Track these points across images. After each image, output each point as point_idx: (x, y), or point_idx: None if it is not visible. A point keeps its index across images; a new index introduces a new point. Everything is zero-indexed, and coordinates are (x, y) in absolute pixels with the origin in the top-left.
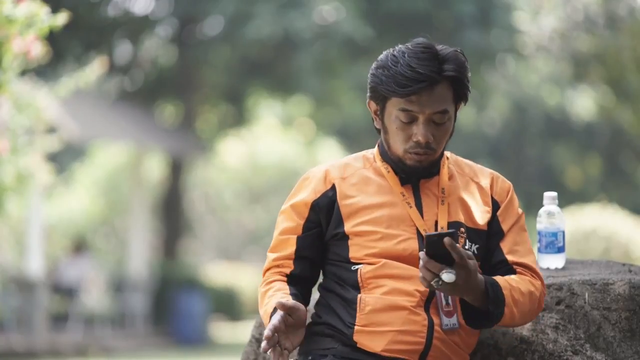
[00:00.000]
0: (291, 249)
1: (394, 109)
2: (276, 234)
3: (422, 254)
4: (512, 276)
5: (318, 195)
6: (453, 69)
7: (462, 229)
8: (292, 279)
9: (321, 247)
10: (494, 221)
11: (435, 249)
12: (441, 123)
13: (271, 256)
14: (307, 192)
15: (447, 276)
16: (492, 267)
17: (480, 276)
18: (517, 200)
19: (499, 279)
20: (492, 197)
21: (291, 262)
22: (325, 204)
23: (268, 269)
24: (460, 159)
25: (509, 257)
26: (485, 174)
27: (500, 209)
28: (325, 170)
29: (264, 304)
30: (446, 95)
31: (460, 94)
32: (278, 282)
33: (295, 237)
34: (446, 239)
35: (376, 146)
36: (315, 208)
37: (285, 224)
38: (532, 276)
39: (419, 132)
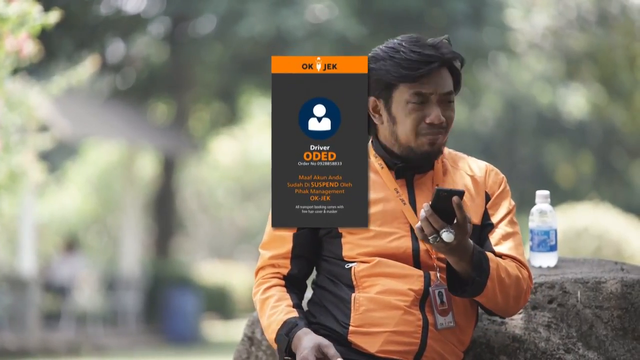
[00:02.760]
0: (287, 246)
1: (404, 95)
2: (269, 229)
3: (426, 206)
4: (501, 258)
5: None
6: (450, 52)
7: None
8: (289, 281)
9: (316, 244)
10: (485, 215)
11: (442, 204)
12: (450, 103)
13: (266, 254)
14: None
15: (447, 235)
16: None
17: (470, 241)
18: (509, 193)
19: (488, 253)
20: (486, 192)
21: (288, 261)
22: None
23: (262, 268)
24: (453, 152)
25: (497, 248)
26: (479, 166)
27: (491, 201)
28: None
29: (267, 316)
30: (449, 79)
31: (457, 80)
32: (277, 290)
33: (291, 234)
34: (455, 198)
35: (369, 142)
36: None
37: None
38: (520, 267)
39: (433, 112)
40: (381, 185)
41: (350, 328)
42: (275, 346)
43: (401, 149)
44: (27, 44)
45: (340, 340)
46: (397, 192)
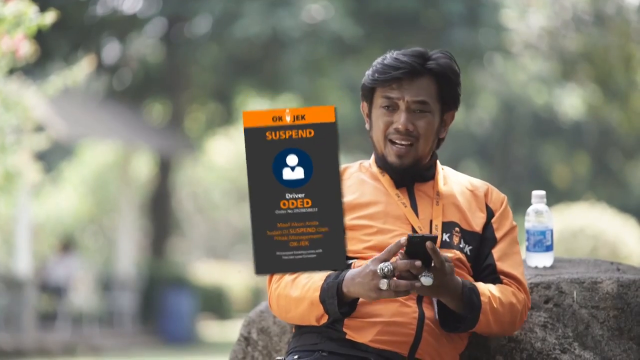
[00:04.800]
0: None
1: (378, 100)
2: None
3: (401, 255)
4: (496, 285)
5: None
6: (436, 64)
7: (457, 229)
8: None
9: None
10: (487, 228)
11: (416, 251)
12: (422, 113)
13: None
14: None
15: (426, 280)
16: (481, 270)
17: (457, 279)
18: (511, 213)
19: (480, 285)
20: (486, 205)
21: None
22: None
23: None
24: (454, 170)
25: (499, 264)
26: (480, 184)
27: (495, 217)
28: None
29: (301, 287)
30: (428, 89)
31: (445, 91)
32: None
33: None
34: (428, 243)
35: (372, 155)
36: None
37: None
38: (518, 289)
39: (399, 119)
40: (382, 191)
41: (345, 320)
42: (315, 309)
43: (378, 157)
44: (23, 44)
45: (333, 334)
46: (399, 196)
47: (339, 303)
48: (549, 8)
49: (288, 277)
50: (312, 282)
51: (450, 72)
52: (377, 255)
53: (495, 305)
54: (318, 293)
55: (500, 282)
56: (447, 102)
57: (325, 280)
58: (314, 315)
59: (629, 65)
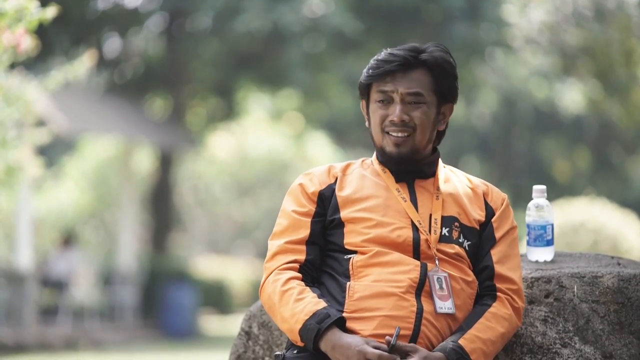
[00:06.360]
0: (305, 232)
1: (374, 95)
2: (283, 219)
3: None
4: (486, 316)
5: (324, 186)
6: (430, 56)
7: (456, 223)
8: (306, 269)
9: (324, 235)
10: (487, 227)
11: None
12: (417, 104)
13: (279, 241)
14: (313, 184)
15: None
16: (479, 270)
17: (438, 355)
18: (511, 212)
19: (467, 339)
20: (486, 202)
21: (304, 247)
22: (329, 195)
23: (277, 253)
24: (455, 168)
25: (497, 267)
26: (479, 182)
27: (495, 216)
28: (329, 167)
29: (289, 307)
30: (422, 81)
31: (440, 83)
32: (297, 284)
33: (309, 220)
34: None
35: (374, 152)
36: (322, 197)
37: (296, 208)
38: (512, 298)
39: (394, 111)
40: (383, 186)
41: (345, 314)
42: (294, 336)
43: (377, 151)
44: (24, 38)
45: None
46: (399, 191)
47: (314, 347)
48: (550, 3)
49: (279, 287)
50: (299, 309)
51: (444, 64)
52: (369, 340)
53: (487, 350)
54: (299, 326)
55: (495, 293)
56: (443, 94)
57: (310, 317)
58: (291, 338)
59: (629, 59)
